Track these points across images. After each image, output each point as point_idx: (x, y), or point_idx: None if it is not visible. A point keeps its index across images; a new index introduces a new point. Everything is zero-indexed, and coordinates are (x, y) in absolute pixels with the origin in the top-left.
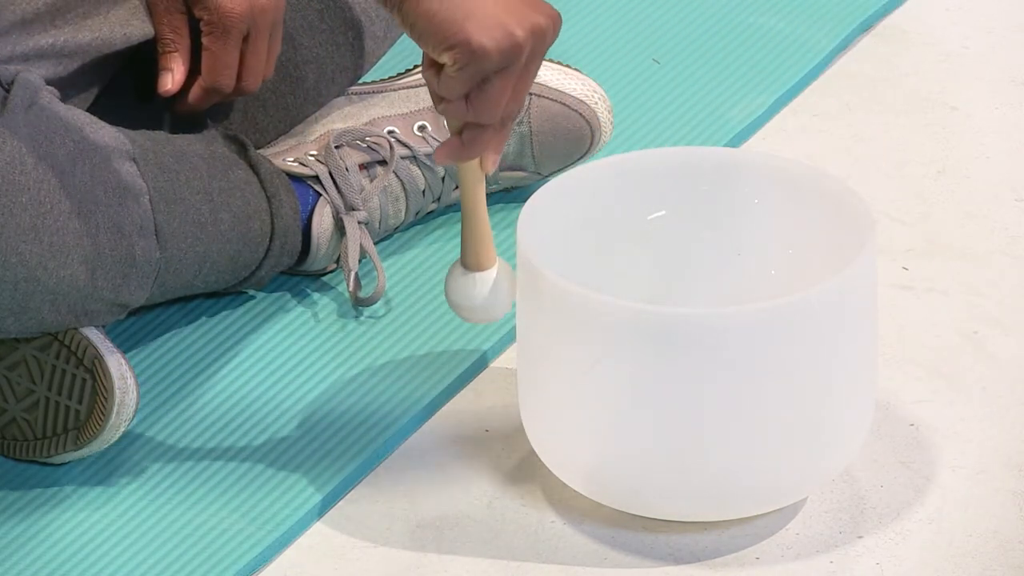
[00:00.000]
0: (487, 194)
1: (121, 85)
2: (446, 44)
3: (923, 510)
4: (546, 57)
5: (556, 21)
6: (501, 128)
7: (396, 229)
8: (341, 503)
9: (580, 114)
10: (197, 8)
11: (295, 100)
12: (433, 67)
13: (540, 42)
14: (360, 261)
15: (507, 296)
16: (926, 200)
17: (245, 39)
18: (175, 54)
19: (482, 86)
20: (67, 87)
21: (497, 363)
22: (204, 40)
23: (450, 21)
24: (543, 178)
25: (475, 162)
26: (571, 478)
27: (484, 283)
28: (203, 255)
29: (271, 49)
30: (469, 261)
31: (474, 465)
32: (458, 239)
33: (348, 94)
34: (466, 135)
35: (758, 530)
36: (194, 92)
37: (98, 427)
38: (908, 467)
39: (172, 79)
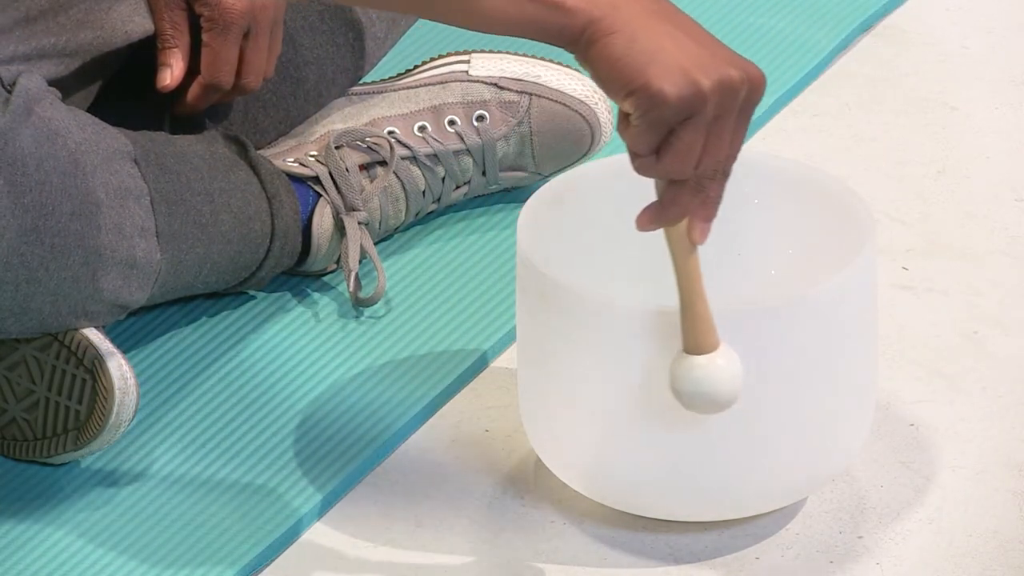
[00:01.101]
0: (487, 195)
1: (122, 85)
2: (627, 89)
3: (923, 510)
4: (546, 57)
5: (754, 79)
6: (699, 189)
7: (396, 229)
8: (341, 503)
9: (580, 114)
10: (198, 4)
11: (295, 101)
12: (625, 120)
13: (729, 96)
14: (360, 261)
15: (734, 382)
16: (926, 200)
17: (245, 36)
18: (175, 50)
19: (669, 139)
20: (68, 86)
21: (497, 363)
22: (204, 36)
23: (632, 66)
24: (543, 178)
25: (683, 233)
26: (571, 478)
27: (706, 369)
28: (204, 256)
29: (272, 47)
30: (688, 344)
31: (474, 465)
32: (458, 239)
33: (348, 95)
34: (665, 194)
35: (758, 530)
36: (193, 90)
37: (98, 427)
38: (908, 467)
39: (171, 74)
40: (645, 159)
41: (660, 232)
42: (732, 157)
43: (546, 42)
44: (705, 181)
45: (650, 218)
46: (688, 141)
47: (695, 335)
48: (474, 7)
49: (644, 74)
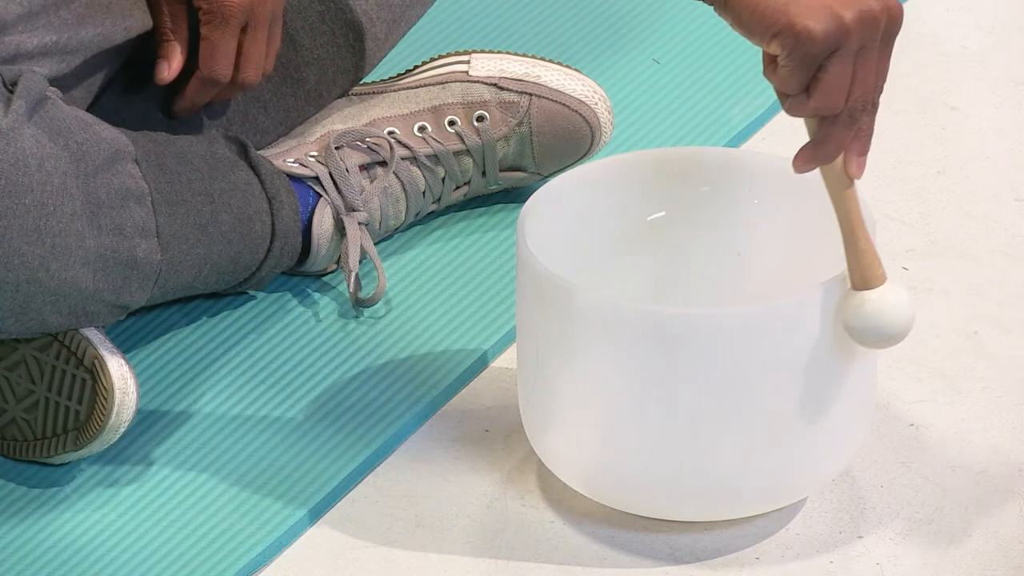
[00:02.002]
0: (486, 195)
1: (122, 83)
2: (771, 31)
3: (923, 510)
4: (546, 58)
5: (892, 8)
6: (851, 123)
7: (396, 230)
8: (341, 503)
9: (580, 114)
10: None
11: (296, 102)
12: (771, 64)
13: (871, 26)
14: (360, 262)
15: (905, 314)
16: (926, 200)
17: (244, 30)
18: (173, 43)
19: (818, 75)
20: (69, 84)
21: (497, 363)
22: (202, 29)
23: (774, 8)
24: (543, 178)
25: (839, 170)
26: (571, 478)
27: (875, 303)
28: (204, 256)
29: (271, 42)
30: (855, 280)
31: (474, 465)
32: (458, 239)
33: (348, 95)
34: (818, 133)
35: (758, 530)
36: (192, 84)
37: (98, 427)
38: (908, 467)
39: (168, 67)
40: (796, 99)
41: (660, 232)
42: (879, 87)
43: None
44: (857, 113)
45: (806, 158)
46: (837, 75)
47: (861, 270)
48: None
49: (786, 14)
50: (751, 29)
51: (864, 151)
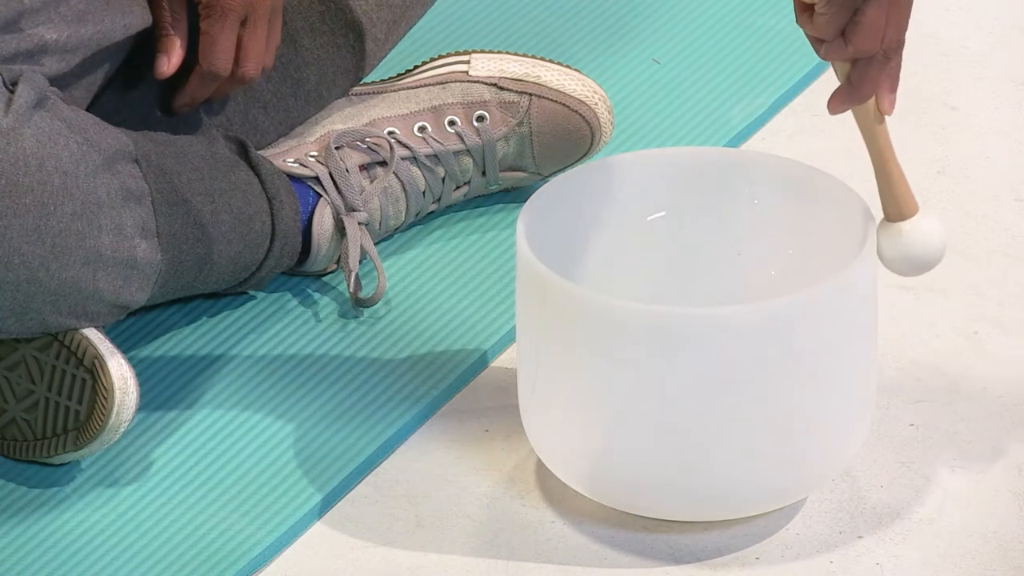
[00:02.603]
0: (486, 195)
1: (122, 82)
2: None
3: (923, 510)
4: (546, 58)
5: None
6: (887, 61)
7: (396, 230)
8: (341, 503)
9: (580, 114)
10: None
11: (296, 102)
12: (806, 12)
13: None
14: (360, 262)
15: (940, 242)
16: (926, 200)
17: (244, 24)
18: (172, 38)
19: (855, 19)
20: (69, 83)
21: (497, 363)
22: (201, 24)
23: None
24: (543, 178)
25: (871, 108)
26: (571, 478)
27: (911, 233)
28: (204, 256)
29: (271, 36)
30: (890, 211)
31: (474, 465)
32: (458, 239)
33: (348, 95)
34: (853, 75)
35: (758, 530)
36: (192, 79)
37: (98, 427)
38: (908, 467)
39: (168, 62)
40: (833, 44)
41: (660, 232)
42: (908, 25)
43: None
44: (891, 53)
45: (843, 100)
46: (875, 17)
47: (896, 202)
48: None
49: None
50: None
51: (895, 88)
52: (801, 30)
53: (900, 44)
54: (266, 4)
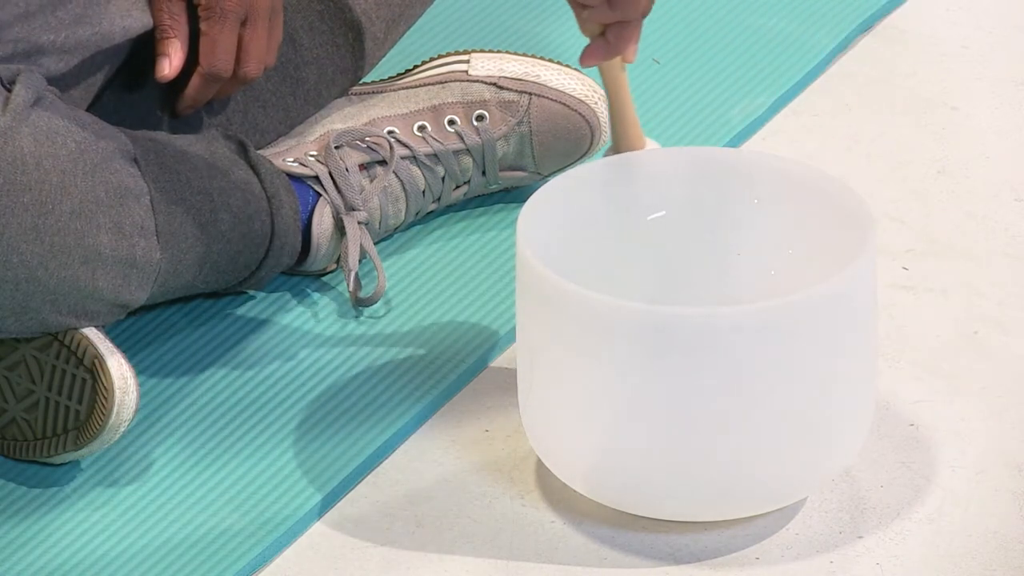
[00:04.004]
0: (486, 195)
1: (122, 82)
2: None
3: (923, 510)
4: (546, 57)
5: None
6: (640, 23)
7: (396, 229)
8: (341, 503)
9: (580, 114)
10: None
11: (295, 101)
12: None
13: None
14: (360, 261)
15: None
16: (926, 200)
17: (244, 24)
18: (173, 40)
19: None
20: (68, 84)
21: (497, 363)
22: (201, 25)
23: None
24: (543, 178)
25: (617, 58)
26: (571, 478)
27: None
28: (203, 256)
29: (272, 35)
30: (621, 144)
31: (474, 465)
32: (458, 239)
33: (348, 94)
34: (611, 35)
35: (758, 530)
36: (193, 82)
37: (98, 427)
38: (908, 467)
39: (169, 64)
40: (598, 9)
41: (660, 232)
42: None
43: None
44: (645, 14)
45: (599, 55)
46: None
47: (629, 137)
48: None
49: None
50: None
51: (638, 40)
52: (798, 32)
53: (651, 5)
54: (266, 4)
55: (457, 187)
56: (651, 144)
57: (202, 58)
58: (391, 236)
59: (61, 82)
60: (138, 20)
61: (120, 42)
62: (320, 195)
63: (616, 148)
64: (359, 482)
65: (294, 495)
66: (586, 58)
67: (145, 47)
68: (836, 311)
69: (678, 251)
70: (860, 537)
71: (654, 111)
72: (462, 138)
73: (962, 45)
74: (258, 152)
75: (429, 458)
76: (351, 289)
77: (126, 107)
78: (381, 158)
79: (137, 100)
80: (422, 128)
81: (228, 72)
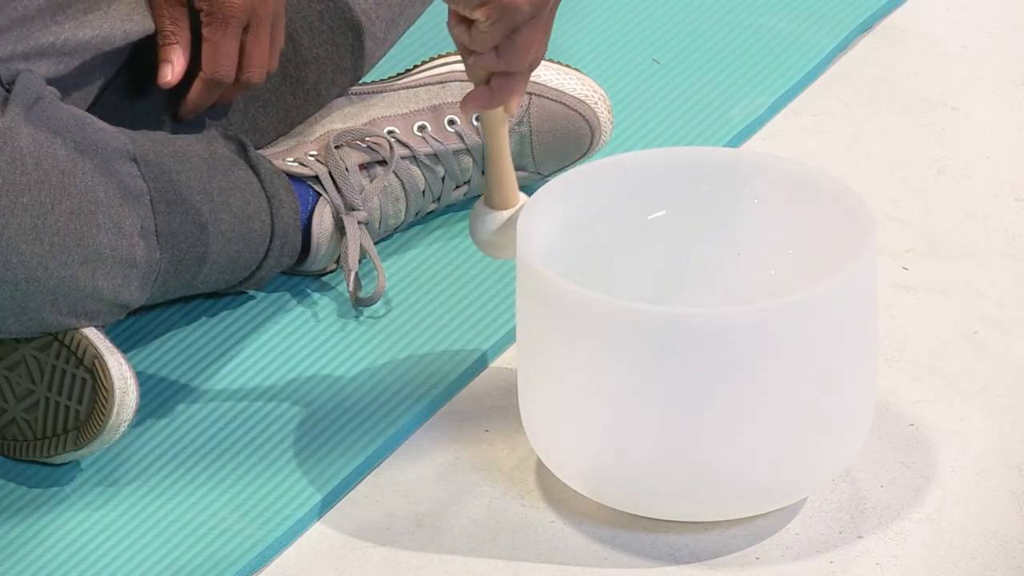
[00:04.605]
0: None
1: (123, 85)
2: (478, 0)
3: (923, 510)
4: (546, 57)
5: None
6: (527, 76)
7: (396, 229)
8: (341, 503)
9: (580, 114)
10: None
11: (295, 101)
12: (462, 23)
13: None
14: (360, 261)
15: None
16: (926, 200)
17: (246, 30)
18: (175, 46)
19: (512, 37)
20: (68, 86)
21: (497, 363)
22: (204, 31)
23: None
24: (543, 178)
25: (500, 109)
26: (571, 478)
27: (511, 220)
28: (203, 255)
29: (274, 41)
30: (495, 200)
31: (474, 465)
32: (458, 239)
33: (348, 94)
34: (495, 84)
35: (758, 530)
36: (196, 87)
37: (98, 427)
38: (908, 467)
39: (172, 70)
40: (485, 56)
41: (660, 232)
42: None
43: None
44: (534, 67)
45: (480, 103)
46: (530, 37)
47: (501, 191)
48: None
49: None
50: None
51: (522, 93)
52: (798, 32)
53: (540, 60)
54: (268, 9)
55: (457, 187)
56: (523, 199)
57: (204, 64)
58: (391, 236)
59: (61, 84)
60: (139, 24)
61: (121, 45)
62: (320, 195)
63: (489, 203)
64: (359, 482)
65: (294, 495)
66: (465, 104)
67: (146, 50)
68: (836, 311)
69: (678, 251)
70: (860, 537)
71: (654, 111)
72: (462, 138)
73: (962, 45)
74: (258, 152)
75: (429, 458)
76: (351, 289)
77: (126, 109)
78: (381, 158)
79: (138, 103)
80: (422, 128)
81: (230, 78)
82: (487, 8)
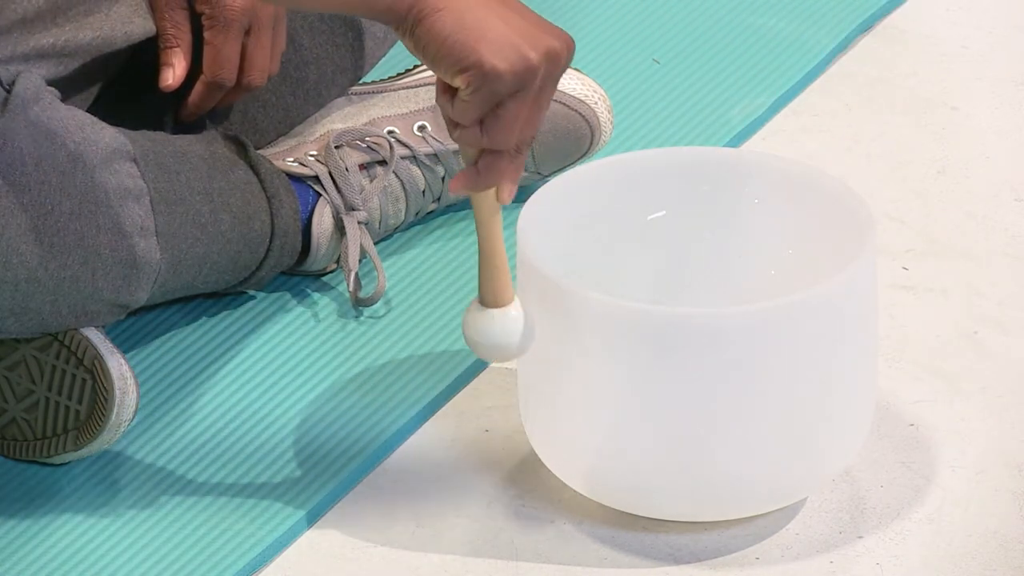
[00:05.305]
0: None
1: (123, 86)
2: (459, 66)
3: (923, 510)
4: None
5: (570, 46)
6: (516, 156)
7: (396, 229)
8: (341, 503)
9: (580, 114)
10: (198, 3)
11: (295, 101)
12: (447, 93)
13: (554, 66)
14: (360, 261)
15: (525, 334)
16: (926, 200)
17: (248, 33)
18: (176, 49)
19: (496, 111)
20: (68, 87)
21: (497, 363)
22: (205, 34)
23: (463, 44)
24: (543, 178)
25: (491, 193)
26: (571, 478)
27: (501, 320)
28: (203, 256)
29: (275, 43)
30: (487, 298)
31: (474, 465)
32: (458, 239)
33: (348, 94)
34: (482, 163)
35: (758, 530)
36: (197, 90)
37: (98, 427)
38: (908, 467)
39: (173, 74)
40: (469, 130)
41: (660, 232)
42: (542, 122)
43: (374, 19)
44: (523, 148)
45: (466, 185)
46: (516, 112)
47: (494, 290)
48: None
49: (476, 51)
50: (438, 61)
51: (516, 180)
52: (798, 32)
53: (531, 141)
54: (269, 12)
55: None
56: (517, 305)
57: (206, 67)
58: (391, 236)
59: (61, 85)
60: (140, 27)
61: (121, 47)
62: (320, 195)
63: (481, 300)
64: (359, 482)
65: (294, 495)
66: (452, 185)
67: (147, 51)
68: (836, 311)
69: (678, 251)
70: (860, 537)
71: (654, 111)
72: None
73: (962, 45)
74: (258, 152)
75: (429, 458)
76: (351, 289)
77: (127, 110)
78: (381, 158)
79: (138, 104)
80: (422, 128)
81: (232, 81)
82: (467, 75)
